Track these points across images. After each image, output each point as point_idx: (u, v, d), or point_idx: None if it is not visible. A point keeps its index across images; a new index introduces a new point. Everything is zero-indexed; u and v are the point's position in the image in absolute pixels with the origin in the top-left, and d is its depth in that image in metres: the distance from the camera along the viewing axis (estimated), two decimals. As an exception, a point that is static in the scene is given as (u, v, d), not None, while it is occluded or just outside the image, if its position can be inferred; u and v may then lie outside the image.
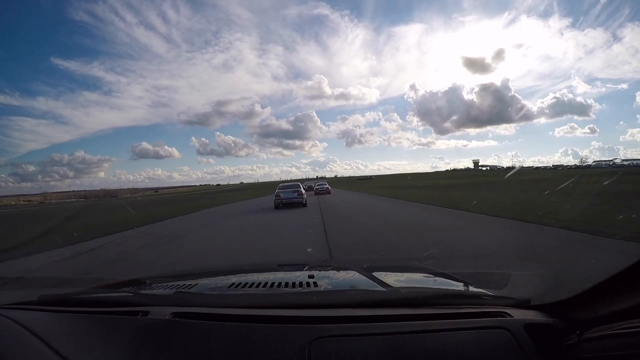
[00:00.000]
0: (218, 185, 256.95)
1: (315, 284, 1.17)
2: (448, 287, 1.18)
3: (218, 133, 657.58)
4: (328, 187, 28.69)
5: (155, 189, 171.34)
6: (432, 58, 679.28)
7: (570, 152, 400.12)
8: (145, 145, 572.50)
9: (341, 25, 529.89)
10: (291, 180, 17.45)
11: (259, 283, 1.23)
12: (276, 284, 1.21)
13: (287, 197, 14.34)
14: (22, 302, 1.07)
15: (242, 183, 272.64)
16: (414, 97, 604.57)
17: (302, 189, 15.06)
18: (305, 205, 14.43)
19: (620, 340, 0.62)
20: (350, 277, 1.41)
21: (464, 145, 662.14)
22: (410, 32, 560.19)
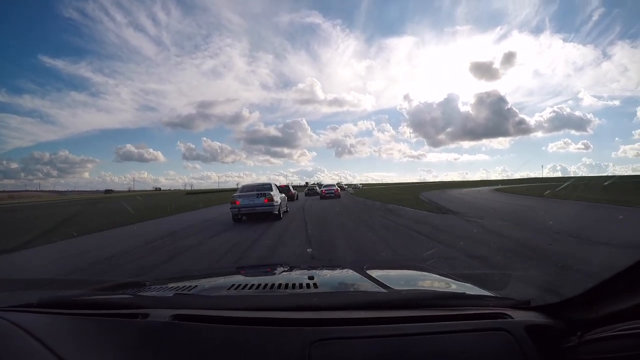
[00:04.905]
0: (109, 191, 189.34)
1: (315, 285, 1.16)
2: (448, 289, 1.17)
3: (204, 138, 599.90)
4: (337, 189, 25.96)
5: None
6: (425, 70, 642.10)
7: (559, 168, 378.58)
8: (130, 147, 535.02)
9: (333, 34, 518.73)
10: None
11: (259, 285, 1.23)
12: (276, 285, 1.21)
13: (247, 204, 9.84)
14: (21, 304, 1.07)
15: (158, 189, 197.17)
16: (407, 108, 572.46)
17: (273, 193, 10.15)
18: (280, 216, 10.01)
19: (621, 341, 0.61)
20: (350, 279, 1.40)
21: (455, 159, 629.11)
22: (402, 44, 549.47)
